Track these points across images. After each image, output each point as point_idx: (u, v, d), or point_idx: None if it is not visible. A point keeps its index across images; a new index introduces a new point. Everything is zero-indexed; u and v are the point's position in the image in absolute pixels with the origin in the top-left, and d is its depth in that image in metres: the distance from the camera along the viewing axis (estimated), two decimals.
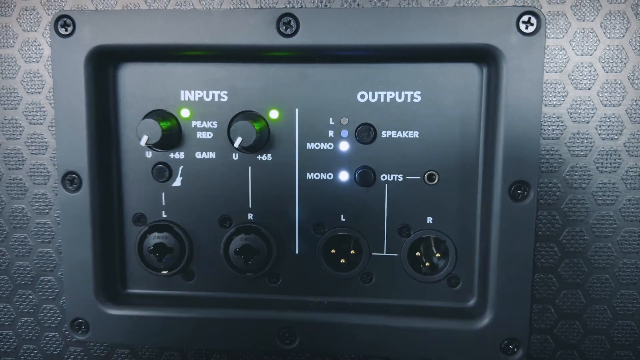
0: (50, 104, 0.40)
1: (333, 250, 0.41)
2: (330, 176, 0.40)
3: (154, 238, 0.41)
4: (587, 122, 0.37)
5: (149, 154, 0.41)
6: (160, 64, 0.40)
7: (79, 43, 0.38)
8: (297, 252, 0.41)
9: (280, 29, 0.37)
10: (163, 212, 0.41)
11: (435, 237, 0.40)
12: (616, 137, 0.37)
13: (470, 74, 0.38)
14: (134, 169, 0.41)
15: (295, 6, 0.38)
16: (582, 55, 0.36)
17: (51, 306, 0.43)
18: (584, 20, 0.36)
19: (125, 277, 0.42)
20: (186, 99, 0.40)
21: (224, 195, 0.41)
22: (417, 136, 0.39)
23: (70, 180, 0.39)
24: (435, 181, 0.39)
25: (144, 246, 0.41)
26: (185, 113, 0.40)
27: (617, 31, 0.36)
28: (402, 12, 0.35)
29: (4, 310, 0.43)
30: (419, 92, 0.38)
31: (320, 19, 0.36)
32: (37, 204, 0.41)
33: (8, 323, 0.43)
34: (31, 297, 0.43)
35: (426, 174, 0.39)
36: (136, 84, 0.40)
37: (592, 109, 0.37)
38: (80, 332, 0.41)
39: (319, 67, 0.39)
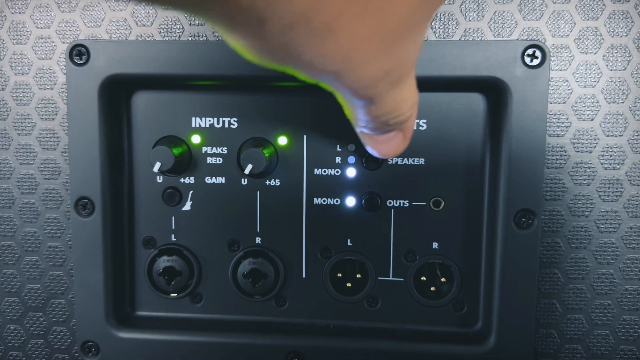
0: (64, 130, 0.41)
1: (340, 274, 0.42)
2: (337, 201, 0.41)
3: (164, 261, 0.42)
4: (590, 152, 0.37)
5: (160, 179, 0.41)
6: (172, 92, 0.40)
7: (93, 72, 0.39)
8: (304, 275, 0.42)
9: None
10: (173, 235, 0.42)
11: (441, 262, 0.41)
12: (618, 166, 0.38)
13: (475, 104, 0.39)
14: (145, 193, 0.42)
15: None
16: (585, 87, 0.37)
17: (61, 328, 0.43)
18: (587, 53, 0.37)
19: (135, 300, 0.43)
20: (197, 126, 0.41)
21: (233, 219, 0.41)
22: (423, 163, 0.40)
23: (83, 205, 0.40)
24: (441, 207, 0.40)
25: (154, 269, 0.42)
26: (196, 139, 0.41)
27: (619, 64, 0.37)
28: None
29: (14, 332, 0.44)
30: (424, 120, 0.39)
31: None
32: (49, 228, 0.42)
33: (18, 345, 0.44)
34: (42, 319, 0.43)
35: (432, 200, 0.40)
36: (148, 111, 0.41)
37: (595, 139, 0.37)
38: (90, 354, 0.41)
39: (328, 95, 0.40)
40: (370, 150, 0.34)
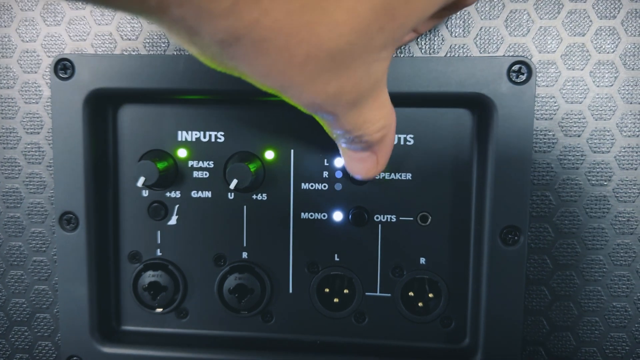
0: (49, 144, 0.41)
1: (327, 290, 0.41)
2: (324, 216, 0.40)
3: (149, 276, 0.42)
4: (577, 169, 0.37)
5: (145, 193, 0.41)
6: (158, 106, 0.40)
7: (78, 86, 0.38)
8: (290, 291, 0.41)
9: None
10: (158, 250, 0.42)
11: (429, 278, 0.40)
12: (605, 183, 0.37)
13: (462, 119, 0.38)
14: (131, 207, 0.41)
15: None
16: (572, 103, 0.37)
17: (46, 343, 0.43)
18: (573, 69, 0.37)
19: (120, 315, 0.43)
20: (183, 139, 0.40)
21: (219, 234, 0.41)
22: (410, 178, 0.39)
23: (67, 220, 0.40)
24: (428, 222, 0.40)
25: (139, 284, 0.42)
26: (182, 153, 0.41)
27: (606, 80, 0.37)
28: (396, 61, 0.36)
29: None
30: (412, 136, 0.39)
31: None
32: (34, 242, 0.42)
33: (3, 359, 0.43)
34: (27, 333, 0.43)
35: (419, 215, 0.40)
36: (134, 125, 0.41)
37: (582, 156, 0.37)
38: None
39: None
40: (346, 166, 0.34)
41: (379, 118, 0.29)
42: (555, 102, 0.37)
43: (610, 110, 0.37)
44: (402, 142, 0.39)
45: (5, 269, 0.42)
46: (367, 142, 0.30)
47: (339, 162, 0.40)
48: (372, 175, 0.34)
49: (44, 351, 0.43)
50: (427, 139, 0.39)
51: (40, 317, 0.43)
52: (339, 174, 0.40)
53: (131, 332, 0.42)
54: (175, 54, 0.39)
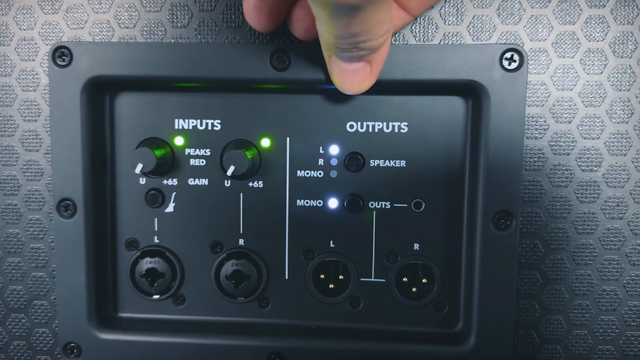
0: (47, 131, 0.41)
1: (322, 276, 0.42)
2: (320, 203, 0.41)
3: (146, 263, 0.42)
4: (568, 155, 0.38)
5: (142, 181, 0.41)
6: (155, 94, 0.41)
7: (76, 73, 0.39)
8: (287, 277, 0.42)
9: (273, 63, 0.38)
10: (155, 237, 0.42)
11: (422, 264, 0.41)
12: (595, 168, 0.38)
13: (455, 107, 0.39)
14: (128, 195, 0.42)
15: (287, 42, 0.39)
16: (562, 90, 0.38)
17: (44, 330, 0.43)
18: (564, 57, 0.37)
19: (117, 302, 0.43)
20: (180, 127, 0.41)
21: (216, 221, 0.42)
22: (404, 165, 0.40)
23: (65, 206, 0.40)
24: (422, 209, 0.40)
25: (136, 271, 0.42)
26: (179, 141, 0.41)
27: (596, 67, 0.37)
28: (390, 48, 0.37)
29: None
30: (406, 123, 0.40)
31: (310, 55, 0.37)
32: (31, 229, 0.42)
33: (1, 346, 0.44)
34: (24, 320, 0.43)
35: (413, 202, 0.40)
36: (131, 112, 0.41)
37: (573, 142, 0.38)
38: (72, 356, 0.41)
39: (310, 98, 0.40)
40: (336, 82, 0.35)
41: (387, 20, 0.30)
42: (546, 89, 0.38)
43: (600, 97, 0.38)
44: (396, 130, 0.40)
45: (2, 256, 0.43)
46: (368, 49, 0.31)
47: (334, 149, 0.40)
48: (365, 87, 0.35)
49: (41, 338, 0.43)
50: (421, 127, 0.40)
51: (37, 304, 0.43)
52: (334, 162, 0.41)
53: (128, 318, 0.43)
54: (173, 42, 0.39)
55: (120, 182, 0.42)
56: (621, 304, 0.39)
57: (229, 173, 0.38)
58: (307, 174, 0.41)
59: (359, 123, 0.40)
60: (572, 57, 0.37)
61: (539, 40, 0.37)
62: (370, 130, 0.40)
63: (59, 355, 0.43)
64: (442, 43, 0.38)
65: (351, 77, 0.34)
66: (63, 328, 0.41)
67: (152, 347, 0.41)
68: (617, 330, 0.40)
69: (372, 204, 0.41)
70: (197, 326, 0.42)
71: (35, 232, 0.42)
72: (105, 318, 0.42)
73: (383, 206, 0.41)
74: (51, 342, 0.43)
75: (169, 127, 0.41)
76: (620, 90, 0.37)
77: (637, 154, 0.38)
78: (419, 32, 0.38)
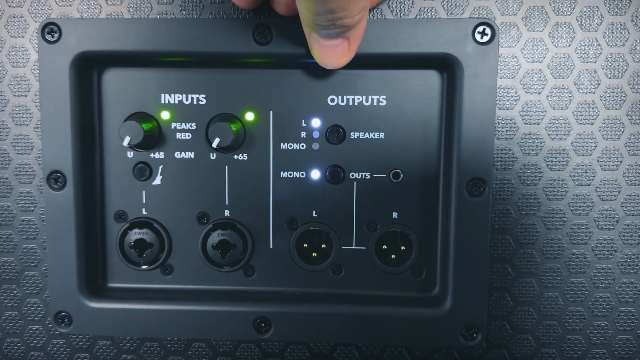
0: (36, 106, 0.42)
1: (305, 245, 0.44)
2: (302, 174, 0.43)
3: (135, 234, 0.43)
4: (538, 124, 0.40)
5: (130, 154, 0.43)
6: (142, 69, 0.42)
7: (65, 49, 0.40)
8: (271, 246, 0.43)
9: (256, 37, 0.39)
10: (143, 209, 0.43)
11: (401, 231, 0.43)
12: (564, 137, 0.40)
13: (431, 80, 0.41)
14: (116, 168, 0.43)
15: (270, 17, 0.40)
16: (532, 62, 0.39)
17: (35, 300, 0.44)
18: (533, 31, 0.39)
19: (106, 272, 0.44)
20: (166, 102, 0.42)
21: (202, 193, 0.43)
22: (383, 137, 0.42)
23: (55, 179, 0.41)
24: (400, 179, 0.42)
25: (125, 242, 0.43)
26: (165, 115, 0.42)
27: (564, 41, 0.39)
28: (368, 23, 0.38)
29: None
30: (384, 97, 0.41)
31: (291, 29, 0.39)
32: (22, 202, 0.43)
33: None
34: (15, 291, 0.44)
35: (392, 172, 0.42)
36: (119, 87, 0.42)
37: (542, 112, 0.40)
38: (63, 325, 0.43)
39: (292, 72, 0.42)
40: (316, 56, 0.37)
41: None
42: (517, 62, 0.39)
43: (568, 68, 0.39)
44: (375, 103, 0.41)
45: None
46: (345, 26, 0.33)
47: (316, 122, 0.42)
48: (344, 62, 0.36)
49: (33, 308, 0.45)
50: (398, 100, 0.41)
51: (28, 275, 0.44)
52: (316, 134, 0.42)
53: (118, 288, 0.44)
54: (158, 17, 0.41)
55: (108, 155, 0.43)
56: (590, 266, 0.41)
57: (214, 145, 0.39)
58: (290, 146, 0.42)
59: (340, 97, 0.42)
60: (541, 31, 0.39)
61: (510, 15, 0.39)
62: (351, 103, 0.42)
63: (50, 325, 0.44)
64: (417, 17, 0.40)
65: (330, 52, 0.36)
66: (54, 298, 0.42)
67: (141, 315, 0.42)
68: (586, 292, 0.42)
69: (352, 175, 0.42)
70: (185, 294, 0.43)
71: (26, 205, 0.43)
72: (95, 288, 0.43)
73: (363, 177, 0.42)
74: (42, 312, 0.45)
75: (155, 102, 0.42)
76: (587, 62, 0.39)
77: (603, 123, 0.40)
78: (395, 7, 0.40)
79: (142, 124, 0.40)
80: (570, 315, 0.42)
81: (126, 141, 0.40)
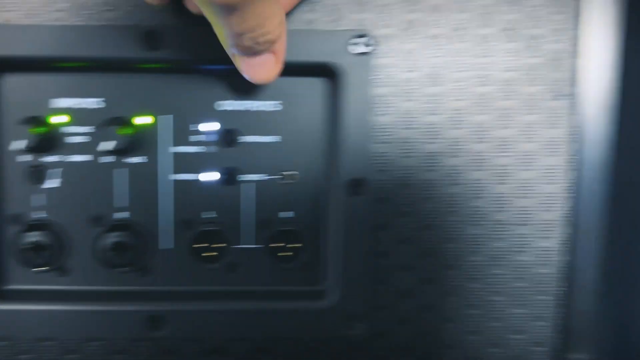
0: None
1: (201, 245, 0.45)
2: (195, 177, 0.44)
3: (30, 237, 0.44)
4: (414, 129, 0.43)
5: (24, 158, 0.43)
6: (35, 74, 0.43)
7: None
8: (167, 246, 0.45)
9: (147, 43, 0.41)
10: (38, 212, 0.44)
11: (291, 229, 0.45)
12: (434, 141, 0.44)
13: (318, 87, 0.44)
14: (10, 171, 0.43)
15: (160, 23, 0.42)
16: (409, 71, 0.43)
17: None
18: (410, 43, 0.42)
19: (2, 275, 0.44)
20: (60, 106, 0.43)
21: (96, 195, 0.44)
22: (276, 140, 0.44)
23: None
24: (292, 180, 0.45)
25: (20, 244, 0.44)
26: (58, 119, 0.43)
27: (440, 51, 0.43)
28: None
29: None
30: (280, 102, 0.44)
31: (183, 35, 0.41)
32: None
33: None
34: None
35: (283, 174, 0.45)
36: (12, 92, 0.43)
37: (416, 119, 0.43)
38: None
39: (187, 77, 0.43)
40: (247, 76, 0.37)
41: (278, 12, 0.33)
42: (392, 71, 0.43)
43: (441, 79, 0.43)
44: (272, 108, 0.44)
45: None
46: (268, 42, 0.34)
47: (211, 125, 0.44)
48: (274, 75, 0.37)
49: None
50: (292, 105, 0.44)
51: None
52: (210, 137, 0.44)
53: (15, 290, 0.44)
54: (54, 24, 0.41)
55: (2, 159, 0.43)
56: (463, 259, 0.45)
57: (99, 148, 0.41)
58: (184, 149, 0.44)
59: (234, 101, 0.44)
60: (417, 42, 0.43)
61: (387, 27, 0.42)
62: (245, 108, 0.44)
63: None
64: (297, 29, 0.42)
65: (260, 69, 0.37)
66: None
67: (38, 316, 0.43)
68: (459, 283, 0.45)
69: (247, 177, 0.44)
70: (81, 295, 0.44)
71: None
72: None
73: (257, 179, 0.44)
74: None
75: (49, 106, 0.43)
76: (459, 72, 0.43)
77: (471, 128, 0.44)
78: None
79: (31, 129, 0.41)
80: (447, 304, 0.46)
81: (14, 145, 0.40)
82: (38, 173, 0.43)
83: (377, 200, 0.44)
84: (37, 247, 0.44)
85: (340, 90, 0.42)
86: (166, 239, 0.45)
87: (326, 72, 0.42)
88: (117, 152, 0.42)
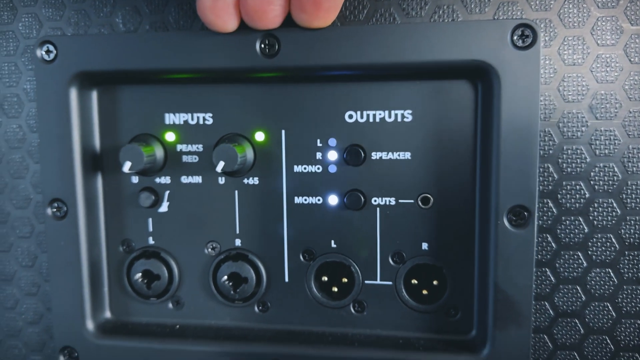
0: (30, 129, 0.40)
1: (324, 278, 0.39)
2: (319, 200, 0.38)
3: (142, 264, 0.40)
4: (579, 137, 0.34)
5: (135, 180, 0.40)
6: (143, 87, 0.39)
7: (62, 68, 0.37)
8: (286, 279, 0.39)
9: (262, 49, 0.35)
10: (150, 238, 0.40)
11: (432, 264, 0.37)
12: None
13: (462, 91, 0.35)
14: (120, 194, 0.40)
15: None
16: (572, 65, 0.33)
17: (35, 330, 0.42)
18: (573, 28, 0.33)
19: (113, 305, 0.41)
20: (171, 122, 0.39)
21: (211, 220, 0.39)
22: (409, 157, 0.37)
23: (56, 207, 0.39)
24: (430, 204, 0.37)
25: (132, 273, 0.40)
26: (170, 137, 0.39)
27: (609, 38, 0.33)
28: (382, 29, 0.33)
29: None
30: (409, 111, 0.36)
31: (301, 38, 0.34)
32: (20, 228, 0.41)
33: None
34: (16, 319, 0.42)
35: (420, 197, 0.37)
36: (120, 107, 0.39)
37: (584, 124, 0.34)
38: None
39: (304, 86, 0.37)
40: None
41: None
42: (553, 64, 0.33)
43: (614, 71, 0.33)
44: (399, 119, 0.36)
45: None
46: None
47: (332, 142, 0.37)
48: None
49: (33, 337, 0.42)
50: (426, 115, 0.36)
51: (27, 302, 0.42)
52: (332, 155, 0.38)
53: (125, 323, 0.41)
54: (153, 30, 0.37)
55: (111, 181, 0.40)
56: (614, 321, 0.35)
57: (218, 169, 0.36)
58: (305, 168, 0.38)
59: (359, 112, 0.37)
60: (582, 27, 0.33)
61: (545, 10, 0.33)
62: (371, 119, 0.37)
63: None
64: (434, 18, 0.34)
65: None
66: (59, 332, 0.40)
67: (149, 353, 0.39)
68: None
69: (375, 201, 0.37)
70: (194, 331, 0.40)
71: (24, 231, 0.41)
72: (101, 323, 0.40)
73: (387, 202, 0.37)
74: (44, 343, 0.42)
75: (159, 123, 0.39)
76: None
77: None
78: (407, 5, 0.35)
79: (143, 148, 0.37)
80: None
81: (126, 167, 0.36)
82: (148, 196, 0.39)
83: (540, 230, 0.35)
84: (149, 276, 0.40)
85: (498, 93, 0.33)
86: (285, 270, 0.39)
87: (478, 72, 0.34)
88: (232, 173, 0.37)
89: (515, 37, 0.33)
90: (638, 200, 0.34)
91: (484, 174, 0.35)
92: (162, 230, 0.40)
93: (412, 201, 0.37)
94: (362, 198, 0.37)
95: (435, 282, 0.38)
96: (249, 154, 0.38)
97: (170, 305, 0.41)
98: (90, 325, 0.40)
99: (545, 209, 0.35)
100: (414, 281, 0.38)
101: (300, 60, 0.35)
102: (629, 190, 0.34)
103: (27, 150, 0.40)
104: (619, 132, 0.34)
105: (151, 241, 0.40)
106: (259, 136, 0.38)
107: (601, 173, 0.34)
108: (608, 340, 0.36)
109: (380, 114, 0.37)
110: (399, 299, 0.38)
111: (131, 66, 0.37)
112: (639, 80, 0.33)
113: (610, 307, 0.35)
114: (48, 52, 0.37)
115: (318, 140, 0.38)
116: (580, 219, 0.35)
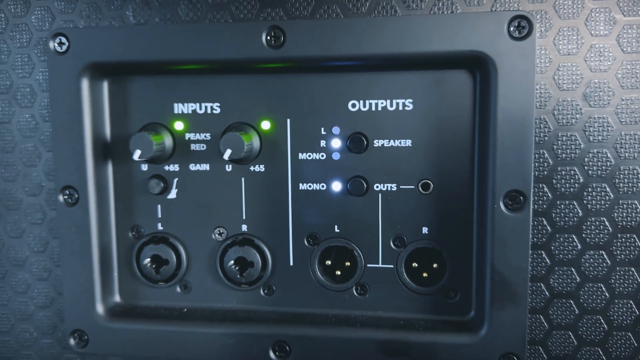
0: (43, 118, 0.41)
1: (328, 262, 0.40)
2: (323, 186, 0.39)
3: (151, 250, 0.41)
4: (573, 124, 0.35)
5: (144, 167, 0.41)
6: (153, 78, 0.40)
7: (74, 60, 0.38)
8: (291, 263, 0.41)
9: (268, 41, 0.36)
10: (159, 224, 0.41)
11: (432, 248, 0.39)
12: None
13: (461, 81, 0.37)
14: (130, 182, 0.41)
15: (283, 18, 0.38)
16: (567, 55, 0.35)
17: (46, 313, 0.44)
18: (567, 19, 0.35)
19: (122, 290, 0.43)
20: (180, 112, 0.40)
21: (219, 206, 0.41)
22: (410, 144, 0.38)
23: (68, 194, 0.40)
24: (430, 190, 0.38)
25: (141, 258, 0.42)
26: (178, 126, 0.40)
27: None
28: (384, 21, 0.35)
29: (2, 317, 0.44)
30: (410, 100, 0.38)
31: (306, 30, 0.36)
32: (31, 215, 0.42)
33: (6, 330, 0.44)
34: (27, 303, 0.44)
35: (420, 183, 0.38)
36: (130, 97, 0.40)
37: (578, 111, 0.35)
38: (81, 343, 0.41)
39: (309, 76, 0.39)
40: None
41: None
42: (548, 55, 0.35)
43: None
44: (400, 107, 0.38)
45: (6, 241, 0.43)
46: None
47: (336, 130, 0.39)
48: None
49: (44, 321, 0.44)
50: (426, 103, 0.37)
51: (39, 287, 0.43)
52: (336, 143, 0.39)
53: (134, 306, 0.42)
54: (164, 22, 0.38)
55: (121, 169, 0.41)
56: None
57: (225, 157, 0.37)
58: (309, 156, 0.39)
59: (362, 102, 0.38)
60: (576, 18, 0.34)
61: (540, 2, 0.35)
62: (374, 108, 0.38)
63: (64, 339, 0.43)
64: (434, 10, 0.36)
65: None
66: (69, 316, 0.41)
67: (157, 336, 0.40)
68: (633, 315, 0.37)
69: (377, 187, 0.39)
70: (202, 314, 0.41)
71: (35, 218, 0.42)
72: (111, 306, 0.42)
73: (389, 188, 0.39)
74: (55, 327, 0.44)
75: (168, 112, 0.40)
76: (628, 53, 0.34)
77: None
78: None
79: (152, 137, 0.38)
80: (614, 341, 0.37)
81: (136, 155, 0.38)
82: (158, 183, 0.41)
83: (535, 214, 0.36)
84: (157, 260, 0.41)
85: (495, 83, 0.34)
86: (290, 254, 0.40)
87: (476, 62, 0.35)
88: (239, 160, 0.38)
89: (511, 28, 0.34)
90: (630, 184, 0.35)
91: (482, 160, 0.36)
92: (170, 216, 0.41)
93: (412, 187, 0.38)
94: (365, 184, 0.39)
95: (435, 265, 0.39)
96: (255, 142, 0.39)
97: (178, 289, 0.42)
98: (100, 308, 0.41)
99: (540, 193, 0.36)
100: (415, 264, 0.39)
101: (305, 51, 0.36)
102: (621, 175, 0.35)
103: (39, 139, 0.41)
104: (611, 119, 0.35)
105: (160, 227, 0.42)
106: (265, 125, 0.39)
107: (595, 159, 0.36)
108: (602, 320, 0.37)
109: (382, 103, 0.38)
110: (400, 282, 0.39)
111: (141, 57, 0.38)
112: (631, 69, 0.35)
113: (603, 288, 0.37)
114: (60, 44, 0.39)
115: (322, 129, 0.39)
116: (575, 203, 0.36)
